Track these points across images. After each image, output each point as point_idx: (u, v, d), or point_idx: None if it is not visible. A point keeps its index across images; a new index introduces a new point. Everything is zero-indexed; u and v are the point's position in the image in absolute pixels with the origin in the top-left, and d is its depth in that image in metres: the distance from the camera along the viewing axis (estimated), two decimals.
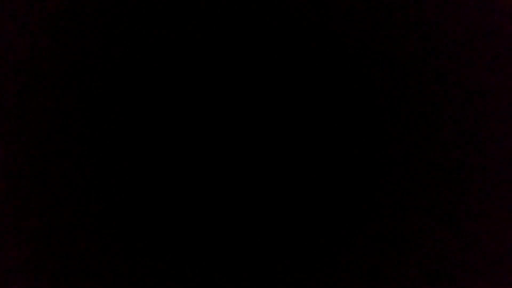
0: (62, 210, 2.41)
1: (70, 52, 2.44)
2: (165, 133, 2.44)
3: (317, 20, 2.44)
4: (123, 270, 2.39)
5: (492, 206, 2.42)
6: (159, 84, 2.45)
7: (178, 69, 2.46)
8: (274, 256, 2.41)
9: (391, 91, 2.44)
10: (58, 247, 2.40)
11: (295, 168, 2.44)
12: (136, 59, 2.45)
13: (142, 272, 2.40)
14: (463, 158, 2.43)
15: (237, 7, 2.44)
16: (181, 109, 2.45)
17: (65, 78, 2.44)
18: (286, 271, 2.40)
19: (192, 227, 2.42)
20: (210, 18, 2.46)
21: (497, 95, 2.44)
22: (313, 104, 2.45)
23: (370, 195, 2.42)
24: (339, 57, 2.45)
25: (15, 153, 2.41)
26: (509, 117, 2.44)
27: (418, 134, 2.44)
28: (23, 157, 2.41)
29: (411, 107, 2.44)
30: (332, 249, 2.40)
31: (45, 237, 2.40)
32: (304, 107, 2.45)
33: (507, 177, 2.42)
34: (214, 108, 2.46)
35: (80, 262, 2.39)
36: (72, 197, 2.41)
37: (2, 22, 2.40)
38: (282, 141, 2.44)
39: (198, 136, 2.45)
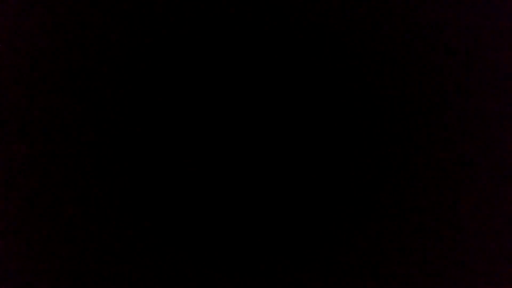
0: (62, 210, 2.41)
1: (70, 52, 2.44)
2: (165, 133, 2.44)
3: (317, 20, 2.44)
4: (123, 270, 2.39)
5: (492, 206, 2.42)
6: (159, 84, 2.45)
7: (178, 69, 2.46)
8: (274, 256, 2.41)
9: (391, 91, 2.44)
10: (58, 247, 2.39)
11: (295, 168, 2.44)
12: (136, 59, 2.45)
13: (142, 272, 2.39)
14: (463, 158, 2.43)
15: (237, 7, 2.44)
16: (181, 109, 2.45)
17: (65, 78, 2.44)
18: (286, 271, 2.40)
19: (192, 227, 2.42)
20: (210, 18, 2.46)
21: (497, 95, 2.44)
22: (313, 104, 2.45)
23: (370, 195, 2.42)
24: (339, 57, 2.45)
25: (15, 153, 2.41)
26: (509, 117, 2.44)
27: (418, 134, 2.44)
28: (23, 157, 2.41)
29: (411, 107, 2.44)
30: (332, 249, 2.40)
31: (45, 237, 2.40)
32: (304, 107, 2.45)
33: (507, 177, 2.42)
34: (214, 108, 2.46)
35: (80, 262, 2.39)
36: (72, 197, 2.41)
37: (2, 22, 2.40)
38: (282, 141, 2.44)
39: (198, 136, 2.45)
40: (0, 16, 2.40)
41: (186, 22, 2.45)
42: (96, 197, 2.41)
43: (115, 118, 2.43)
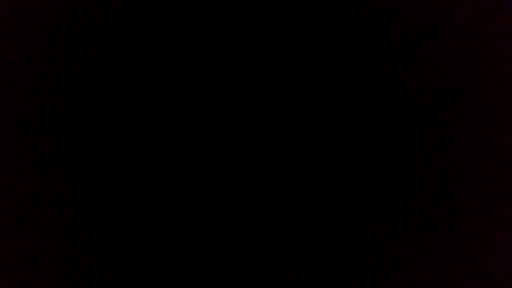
0: (62, 210, 2.41)
1: (70, 52, 2.44)
2: (164, 133, 2.44)
3: (317, 20, 2.44)
4: (123, 270, 2.39)
5: (492, 206, 2.42)
6: (159, 84, 2.45)
7: (178, 69, 2.46)
8: (274, 256, 2.41)
9: (391, 91, 2.44)
10: (58, 247, 2.40)
11: (295, 168, 2.43)
12: (136, 59, 2.45)
13: (142, 272, 2.39)
14: (463, 158, 2.43)
15: (237, 7, 2.43)
16: (180, 109, 2.45)
17: (65, 78, 2.44)
18: (286, 271, 2.40)
19: (192, 227, 2.42)
20: (209, 18, 2.46)
21: (497, 95, 2.44)
22: (313, 103, 2.45)
23: (370, 195, 2.42)
24: (338, 57, 2.45)
25: (15, 153, 2.41)
26: (509, 117, 2.44)
27: (418, 133, 2.43)
28: (23, 157, 2.41)
29: (411, 107, 2.44)
30: (332, 249, 2.40)
31: (45, 237, 2.40)
32: (304, 107, 2.45)
33: (507, 177, 2.42)
34: (214, 108, 2.46)
35: (80, 262, 2.39)
36: (72, 197, 2.41)
37: (2, 22, 2.40)
38: (282, 141, 2.44)
39: (198, 136, 2.45)
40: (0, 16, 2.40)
41: (186, 22, 2.45)
42: (96, 197, 2.41)
43: (114, 118, 2.43)
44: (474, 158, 2.43)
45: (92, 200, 2.41)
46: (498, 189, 2.42)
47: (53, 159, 2.41)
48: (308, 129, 2.44)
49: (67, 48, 2.44)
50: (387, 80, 2.44)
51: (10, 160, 2.41)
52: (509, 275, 2.39)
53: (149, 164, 2.43)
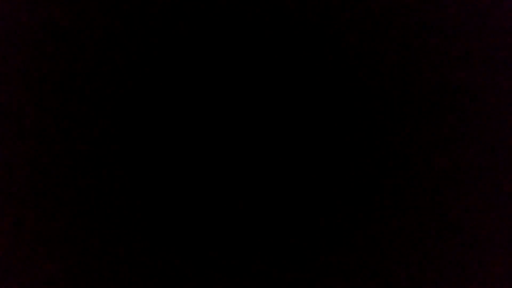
0: (62, 210, 2.41)
1: (70, 52, 2.44)
2: (164, 133, 2.44)
3: (316, 20, 2.44)
4: (123, 270, 2.39)
5: (493, 206, 2.42)
6: (159, 84, 2.45)
7: (178, 69, 2.46)
8: (274, 256, 2.41)
9: (391, 91, 2.44)
10: (58, 247, 2.40)
11: (295, 168, 2.43)
12: (136, 60, 2.45)
13: (142, 272, 2.39)
14: (463, 158, 2.43)
15: (237, 7, 2.43)
16: (180, 109, 2.45)
17: (65, 78, 2.44)
18: (286, 271, 2.40)
19: (192, 227, 2.42)
20: (209, 18, 2.46)
21: (497, 95, 2.44)
22: (313, 103, 2.45)
23: (370, 195, 2.42)
24: (338, 57, 2.45)
25: (15, 153, 2.41)
26: (509, 117, 2.44)
27: (418, 133, 2.43)
28: (23, 157, 2.41)
29: (410, 106, 2.44)
30: (332, 249, 2.40)
31: (45, 237, 2.40)
32: (304, 106, 2.45)
33: (507, 177, 2.42)
34: (213, 108, 2.46)
35: (80, 262, 2.39)
36: (72, 197, 2.41)
37: (2, 22, 2.40)
38: (282, 141, 2.44)
39: (198, 136, 2.45)
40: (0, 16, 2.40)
41: (185, 22, 2.45)
42: (96, 197, 2.41)
43: (114, 118, 2.43)
44: (474, 158, 2.43)
45: (92, 200, 2.41)
46: (498, 189, 2.42)
47: (53, 159, 2.41)
48: (308, 129, 2.44)
49: (67, 48, 2.44)
50: (387, 80, 2.44)
51: (10, 160, 2.41)
52: (509, 275, 2.39)
53: (149, 164, 2.43)
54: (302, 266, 2.40)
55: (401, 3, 2.44)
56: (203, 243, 2.41)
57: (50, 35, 2.43)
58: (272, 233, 2.42)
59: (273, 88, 2.45)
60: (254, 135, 2.44)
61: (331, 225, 2.41)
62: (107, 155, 2.42)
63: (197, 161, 2.44)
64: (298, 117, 2.45)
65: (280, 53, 2.46)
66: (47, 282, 2.38)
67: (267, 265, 2.40)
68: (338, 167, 2.43)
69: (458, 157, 2.43)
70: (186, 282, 2.40)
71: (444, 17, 2.45)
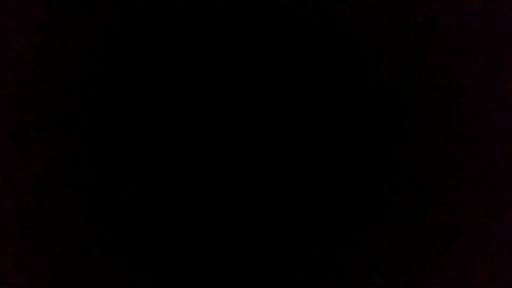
0: (62, 210, 2.41)
1: (70, 52, 2.44)
2: (164, 133, 2.44)
3: (316, 20, 2.44)
4: (123, 270, 2.39)
5: (493, 206, 2.42)
6: (159, 84, 2.45)
7: (178, 70, 2.46)
8: (274, 256, 2.41)
9: (391, 91, 2.44)
10: (58, 247, 2.40)
11: (295, 168, 2.43)
12: (136, 60, 2.45)
13: (142, 272, 2.39)
14: (463, 158, 2.43)
15: (237, 7, 2.43)
16: (180, 109, 2.45)
17: (65, 78, 2.44)
18: (286, 271, 2.40)
19: (192, 227, 2.42)
20: (209, 17, 2.46)
21: (497, 94, 2.44)
22: (313, 103, 2.45)
23: (370, 195, 2.42)
24: (338, 57, 2.45)
25: (15, 153, 2.41)
26: (509, 117, 2.44)
27: (418, 134, 2.43)
28: (23, 157, 2.41)
29: (410, 106, 2.44)
30: (332, 249, 2.40)
31: (45, 237, 2.40)
32: (303, 106, 2.45)
33: (507, 177, 2.42)
34: (213, 108, 2.46)
35: (80, 262, 2.39)
36: (72, 197, 2.41)
37: (2, 22, 2.40)
38: (282, 141, 2.44)
39: (198, 136, 2.45)
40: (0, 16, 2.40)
41: (185, 21, 2.45)
42: (96, 197, 2.41)
43: (114, 118, 2.43)
44: (474, 158, 2.43)
45: (92, 201, 2.41)
46: (498, 189, 2.42)
47: (53, 159, 2.41)
48: (308, 129, 2.44)
49: (67, 48, 2.44)
50: (387, 80, 2.44)
51: (10, 160, 2.41)
52: (509, 275, 2.39)
53: (149, 164, 2.43)
54: (302, 266, 2.40)
55: (401, 3, 2.44)
56: (203, 243, 2.41)
57: (50, 35, 2.43)
58: (272, 233, 2.42)
59: (273, 88, 2.45)
60: (254, 135, 2.44)
61: (331, 225, 2.41)
62: (107, 155, 2.42)
63: (197, 161, 2.44)
64: (298, 117, 2.45)
65: (280, 53, 2.46)
66: (47, 282, 2.38)
67: (267, 265, 2.40)
68: (338, 167, 2.43)
69: (458, 157, 2.43)
70: (186, 282, 2.40)
71: (444, 17, 2.45)
